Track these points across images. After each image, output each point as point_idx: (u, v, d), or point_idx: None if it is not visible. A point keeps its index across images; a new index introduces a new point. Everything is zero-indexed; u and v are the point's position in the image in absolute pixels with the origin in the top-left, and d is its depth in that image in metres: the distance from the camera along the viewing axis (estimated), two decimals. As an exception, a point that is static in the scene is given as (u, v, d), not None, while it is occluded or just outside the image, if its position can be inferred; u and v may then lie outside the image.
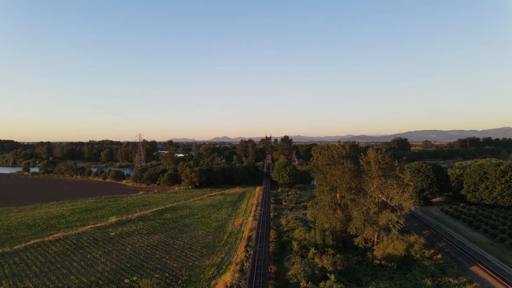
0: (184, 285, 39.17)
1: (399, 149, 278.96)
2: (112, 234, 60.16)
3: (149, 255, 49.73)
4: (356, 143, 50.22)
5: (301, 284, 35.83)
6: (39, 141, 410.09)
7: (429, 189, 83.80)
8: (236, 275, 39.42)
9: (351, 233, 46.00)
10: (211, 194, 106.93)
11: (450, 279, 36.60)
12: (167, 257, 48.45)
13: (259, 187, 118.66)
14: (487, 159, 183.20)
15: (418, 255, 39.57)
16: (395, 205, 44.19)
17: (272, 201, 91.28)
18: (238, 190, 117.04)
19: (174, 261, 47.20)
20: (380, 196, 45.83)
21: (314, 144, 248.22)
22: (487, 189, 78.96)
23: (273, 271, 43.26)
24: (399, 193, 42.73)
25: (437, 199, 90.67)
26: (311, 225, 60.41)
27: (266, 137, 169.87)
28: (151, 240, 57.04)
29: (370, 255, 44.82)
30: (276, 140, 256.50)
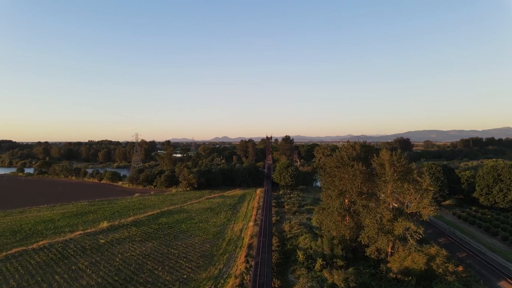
0: (177, 303, 34.80)
1: (401, 149, 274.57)
2: (102, 241, 55.74)
3: (140, 266, 45.33)
4: (368, 144, 45.60)
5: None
6: (39, 141, 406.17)
7: (439, 192, 79.39)
8: (236, 292, 35.07)
9: (363, 243, 41.57)
10: (210, 197, 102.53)
11: (478, 298, 32.29)
12: (159, 269, 44.03)
13: (259, 189, 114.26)
14: (493, 159, 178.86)
15: (441, 269, 35.17)
16: (411, 212, 39.78)
17: (273, 204, 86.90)
18: (238, 192, 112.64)
19: (168, 273, 42.81)
20: (394, 203, 41.42)
21: (316, 144, 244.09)
22: (501, 192, 74.63)
23: (276, 286, 38.90)
24: (417, 199, 38.32)
25: (447, 202, 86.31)
26: (317, 232, 56.06)
27: (267, 137, 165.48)
28: (144, 248, 52.62)
29: (384, 267, 40.42)
30: (276, 140, 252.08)
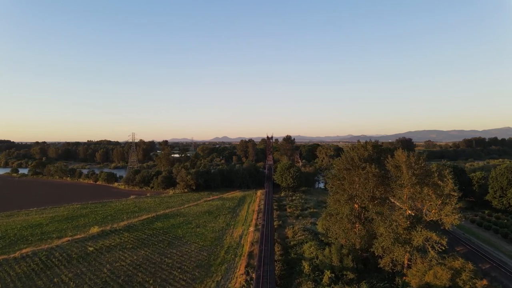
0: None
1: (403, 149, 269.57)
2: (91, 249, 51.52)
3: (130, 278, 41.14)
4: (381, 144, 41.36)
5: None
6: (36, 141, 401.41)
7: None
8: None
9: (376, 254, 37.34)
10: (208, 199, 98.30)
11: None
12: (150, 281, 39.87)
13: (260, 191, 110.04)
14: (500, 159, 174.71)
15: (468, 286, 30.96)
16: (431, 220, 35.57)
17: (275, 207, 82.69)
18: (237, 194, 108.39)
19: (159, 286, 38.68)
20: (410, 210, 37.21)
21: (317, 144, 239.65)
22: (516, 195, 70.44)
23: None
24: (438, 206, 34.12)
25: (458, 205, 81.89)
26: (322, 238, 51.86)
27: (267, 136, 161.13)
28: (135, 257, 48.40)
29: (400, 281, 36.25)
30: (277, 140, 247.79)
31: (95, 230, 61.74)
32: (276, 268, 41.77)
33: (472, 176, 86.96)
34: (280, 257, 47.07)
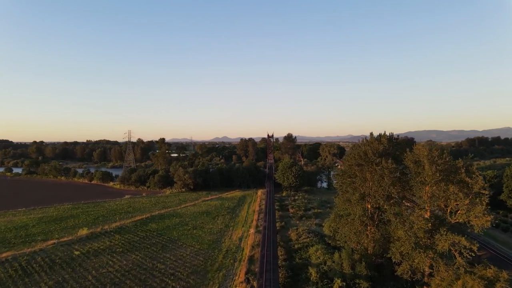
0: None
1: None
2: (77, 253, 47.21)
3: (117, 286, 36.88)
4: (396, 138, 37.07)
5: None
6: (34, 141, 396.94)
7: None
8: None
9: (394, 260, 33.06)
10: (207, 199, 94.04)
11: None
12: (139, 291, 35.63)
13: (261, 190, 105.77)
14: (506, 158, 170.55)
15: (504, 299, 26.69)
16: (456, 221, 31.29)
17: (276, 207, 78.42)
18: (237, 193, 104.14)
19: (149, 297, 34.45)
20: (430, 212, 32.96)
21: (318, 144, 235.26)
22: (533, 194, 66.24)
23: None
24: (466, 206, 29.84)
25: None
26: (329, 242, 47.68)
27: (268, 135, 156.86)
28: (125, 262, 44.11)
29: (421, 291, 32.00)
30: (277, 139, 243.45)
31: (84, 232, 57.47)
32: (280, 275, 37.53)
33: (483, 175, 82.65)
34: (283, 262, 42.81)
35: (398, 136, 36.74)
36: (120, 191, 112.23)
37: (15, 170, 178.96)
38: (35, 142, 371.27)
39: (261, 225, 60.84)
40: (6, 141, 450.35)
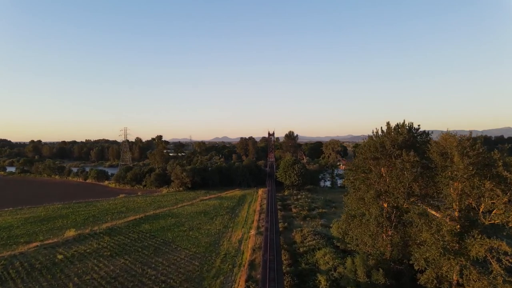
0: None
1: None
2: (60, 257, 42.87)
3: (100, 296, 32.56)
4: (416, 129, 32.52)
5: None
6: (32, 140, 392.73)
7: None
8: None
9: (418, 267, 28.68)
10: (205, 198, 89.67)
11: None
12: (125, 301, 31.28)
13: (261, 189, 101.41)
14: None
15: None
16: (491, 222, 26.89)
17: (278, 206, 74.04)
18: (237, 192, 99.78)
19: (135, 308, 30.11)
20: (458, 212, 28.56)
21: (320, 142, 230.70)
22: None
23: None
24: (505, 204, 25.46)
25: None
26: (338, 244, 43.34)
27: (269, 133, 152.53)
28: (112, 267, 39.79)
29: (448, 303, 27.60)
30: (277, 139, 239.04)
31: (70, 233, 53.15)
32: (285, 283, 33.19)
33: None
34: (288, 268, 38.44)
35: (419, 126, 32.31)
36: (115, 190, 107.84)
37: (10, 169, 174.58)
38: (32, 141, 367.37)
39: (262, 226, 56.52)
40: (4, 140, 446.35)
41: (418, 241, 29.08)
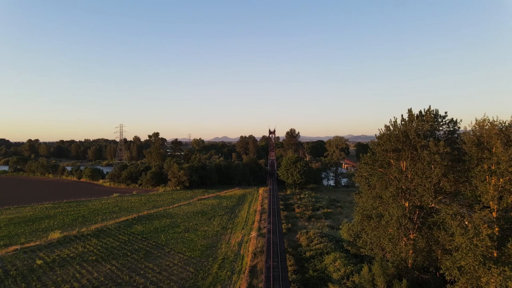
0: None
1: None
2: (39, 262, 38.46)
3: (78, 309, 28.18)
4: (442, 116, 27.95)
5: None
6: (29, 139, 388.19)
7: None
8: None
9: (450, 278, 24.33)
10: (203, 197, 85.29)
11: None
12: (106, 316, 26.89)
13: (262, 188, 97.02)
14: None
15: None
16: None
17: (281, 206, 69.70)
18: (237, 192, 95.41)
19: (117, 325, 25.71)
20: (492, 211, 24.22)
21: (321, 141, 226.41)
22: None
23: None
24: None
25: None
26: (349, 248, 38.98)
27: (270, 130, 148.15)
28: (96, 274, 35.39)
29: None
30: (278, 138, 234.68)
31: (55, 235, 48.74)
32: (291, 294, 28.84)
33: None
34: (293, 275, 34.07)
35: (446, 113, 27.91)
36: (109, 189, 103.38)
37: (4, 168, 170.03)
38: (30, 140, 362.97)
39: (264, 227, 52.21)
40: (2, 140, 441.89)
41: (450, 247, 24.71)
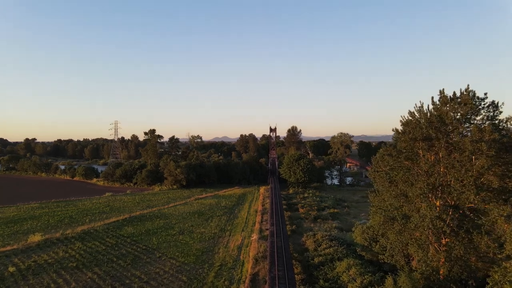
0: None
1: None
2: (12, 269, 33.78)
3: (46, 329, 23.51)
4: (481, 98, 23.07)
5: None
6: (26, 138, 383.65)
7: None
8: None
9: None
10: (201, 197, 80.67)
11: None
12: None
13: (263, 187, 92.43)
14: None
15: None
16: None
17: (284, 206, 65.07)
18: (236, 191, 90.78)
19: None
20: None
21: (323, 139, 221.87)
22: None
23: None
24: None
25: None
26: (363, 253, 34.33)
27: (271, 128, 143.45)
28: (74, 284, 30.73)
29: None
30: (278, 137, 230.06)
31: (35, 238, 44.08)
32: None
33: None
34: (301, 286, 29.40)
35: (485, 95, 23.24)
36: (102, 188, 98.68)
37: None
38: (26, 139, 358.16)
39: (266, 229, 47.61)
40: (2, 139, 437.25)
41: (499, 256, 20.07)
